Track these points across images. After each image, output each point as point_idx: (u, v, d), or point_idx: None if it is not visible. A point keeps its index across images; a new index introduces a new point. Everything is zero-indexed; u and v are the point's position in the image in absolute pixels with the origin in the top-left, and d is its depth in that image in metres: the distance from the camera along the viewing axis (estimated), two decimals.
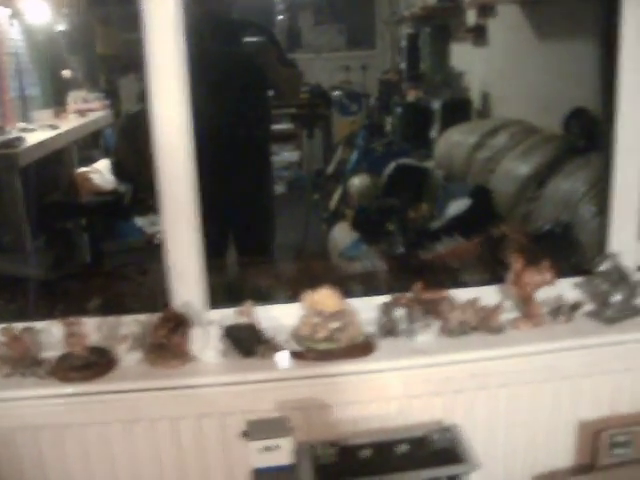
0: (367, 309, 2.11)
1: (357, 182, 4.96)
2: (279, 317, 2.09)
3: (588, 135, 3.50)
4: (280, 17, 6.72)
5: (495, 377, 2.01)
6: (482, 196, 3.93)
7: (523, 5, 4.20)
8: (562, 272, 2.26)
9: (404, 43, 5.82)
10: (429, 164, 4.77)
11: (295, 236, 4.50)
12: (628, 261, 2.28)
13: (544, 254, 2.27)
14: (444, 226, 3.82)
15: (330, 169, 5.75)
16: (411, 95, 5.34)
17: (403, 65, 5.83)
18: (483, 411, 2.04)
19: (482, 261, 2.95)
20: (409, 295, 2.13)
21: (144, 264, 2.73)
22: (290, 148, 6.80)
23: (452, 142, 4.62)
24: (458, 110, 5.05)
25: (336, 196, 5.21)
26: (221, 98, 2.82)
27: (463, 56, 5.37)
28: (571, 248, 2.81)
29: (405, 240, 3.75)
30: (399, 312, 2.12)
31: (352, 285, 2.59)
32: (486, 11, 4.82)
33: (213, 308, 2.04)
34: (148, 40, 1.86)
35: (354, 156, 5.40)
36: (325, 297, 2.04)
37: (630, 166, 2.27)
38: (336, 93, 6.11)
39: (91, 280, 2.73)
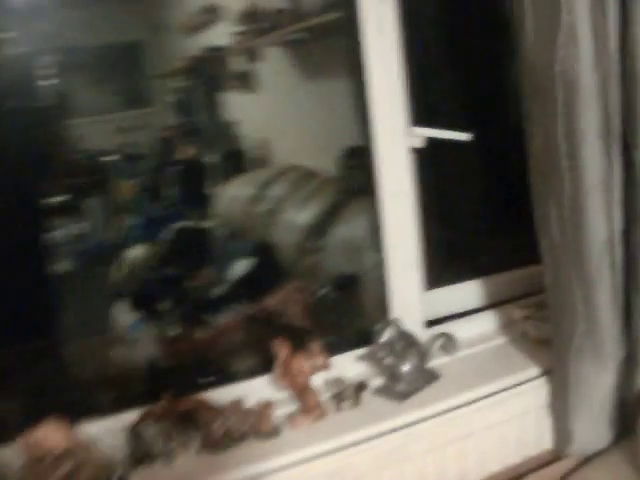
0: (116, 431, 1.60)
1: (136, 253, 4.40)
2: None
3: (364, 175, 3.20)
4: (45, 82, 6.05)
5: None
6: (265, 253, 3.52)
7: (286, 46, 3.96)
8: (344, 343, 1.87)
9: (175, 98, 5.35)
10: (209, 223, 4.30)
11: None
12: (414, 316, 1.89)
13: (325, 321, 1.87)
14: (228, 292, 3.38)
15: (114, 239, 5.15)
16: (186, 152, 4.86)
17: (177, 121, 5.35)
18: None
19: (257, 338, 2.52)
20: (160, 408, 1.63)
21: None
22: (73, 220, 6.12)
23: (230, 197, 4.20)
24: (235, 162, 4.64)
25: (115, 270, 4.61)
26: None
27: (235, 105, 5.00)
28: (356, 309, 2.41)
29: (183, 316, 3.23)
30: (151, 431, 1.61)
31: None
32: (252, 56, 4.52)
33: None
34: None
35: (135, 222, 4.84)
36: (49, 434, 1.51)
37: (399, 209, 1.89)
38: (113, 157, 5.53)
39: None
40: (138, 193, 5.13)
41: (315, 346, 1.72)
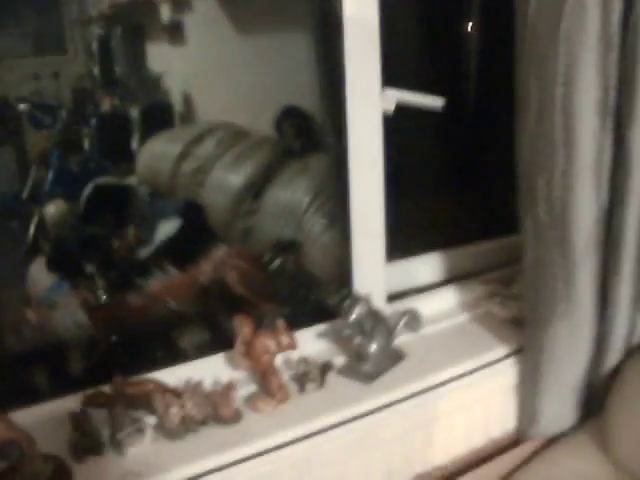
0: (56, 419, 1.42)
1: (52, 209, 4.11)
2: None
3: (302, 136, 3.05)
4: None
5: None
6: (193, 213, 3.33)
7: None
8: (300, 317, 1.73)
9: (95, 46, 5.03)
10: (132, 180, 4.05)
11: None
12: (377, 291, 1.77)
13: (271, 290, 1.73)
14: (154, 254, 3.17)
15: (25, 193, 4.82)
16: (106, 104, 4.58)
17: (96, 71, 5.04)
18: None
19: (203, 302, 2.35)
20: (107, 391, 1.46)
21: None
22: None
23: (155, 153, 3.98)
24: (159, 117, 4.39)
25: (32, 226, 4.31)
26: None
27: (160, 57, 4.73)
28: (303, 278, 2.26)
29: (109, 279, 3.00)
30: (97, 418, 1.44)
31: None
32: (181, 6, 4.28)
33: None
34: None
35: (49, 177, 4.53)
36: None
37: (368, 176, 1.74)
38: (25, 105, 5.16)
39: None
40: (52, 145, 4.82)
41: (280, 324, 1.57)
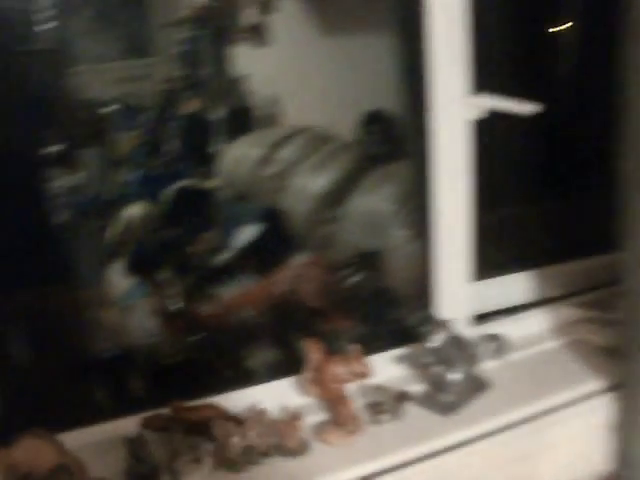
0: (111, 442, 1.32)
1: (134, 211, 4.09)
2: None
3: (387, 141, 2.92)
4: (43, 27, 5.69)
5: None
6: (273, 219, 3.24)
7: None
8: (376, 338, 1.60)
9: (181, 48, 5.03)
10: (214, 184, 4.00)
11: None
12: (459, 312, 1.62)
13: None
14: (231, 260, 3.10)
15: (109, 194, 4.84)
16: (190, 106, 4.54)
17: (181, 73, 5.03)
18: None
19: (275, 315, 2.24)
20: (165, 415, 1.36)
21: None
22: (70, 171, 5.81)
23: (236, 157, 3.91)
24: (243, 120, 4.33)
25: (113, 227, 4.31)
26: None
27: (245, 59, 4.68)
28: (382, 292, 2.12)
29: (185, 285, 2.93)
30: (155, 443, 1.35)
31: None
32: (266, 8, 4.19)
33: None
34: None
35: (133, 178, 4.53)
36: (31, 452, 1.24)
37: (453, 189, 1.60)
38: (113, 107, 5.20)
39: None
40: (137, 147, 4.83)
41: (354, 349, 1.44)
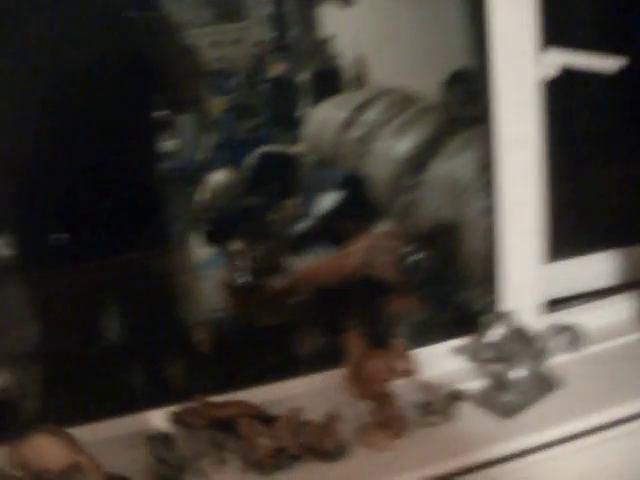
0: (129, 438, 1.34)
1: (218, 177, 4.01)
2: None
3: (472, 102, 2.71)
4: None
5: None
6: (354, 186, 3.09)
7: None
8: (435, 327, 1.44)
9: (270, 11, 4.90)
10: (298, 149, 3.87)
11: None
12: (528, 299, 1.42)
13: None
14: (310, 229, 2.97)
15: (197, 159, 4.80)
16: (276, 69, 4.41)
17: (269, 36, 4.92)
18: None
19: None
20: (191, 409, 1.25)
21: None
22: (166, 137, 5.84)
23: (320, 120, 3.76)
24: (329, 82, 4.17)
25: (198, 193, 4.25)
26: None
27: (331, 19, 4.50)
28: (451, 274, 1.92)
29: (259, 256, 2.80)
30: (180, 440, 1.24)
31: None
32: None
33: None
34: None
35: (218, 143, 4.46)
36: (43, 450, 1.15)
37: (521, 159, 1.40)
38: (206, 71, 5.16)
39: None
40: (226, 112, 4.76)
41: (398, 344, 1.28)
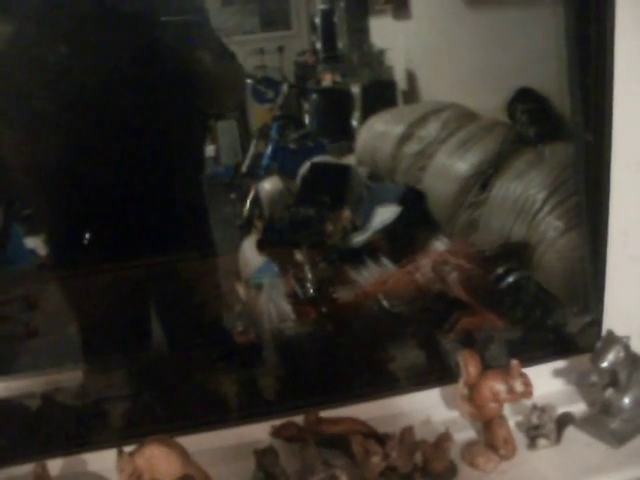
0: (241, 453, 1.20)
1: (267, 186, 4.00)
2: None
3: (538, 122, 2.68)
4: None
5: None
6: (414, 201, 3.06)
7: None
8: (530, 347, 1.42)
9: (318, 21, 4.90)
10: (350, 160, 3.86)
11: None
12: (635, 326, 1.40)
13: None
14: (368, 242, 2.95)
15: (244, 167, 4.79)
16: (327, 79, 4.41)
17: (319, 45, 4.91)
18: None
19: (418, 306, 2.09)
20: (297, 424, 1.23)
21: None
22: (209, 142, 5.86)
23: (375, 133, 3.74)
24: (381, 94, 4.16)
25: (248, 201, 4.24)
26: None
27: (384, 31, 4.50)
28: (538, 291, 1.90)
29: (319, 267, 2.78)
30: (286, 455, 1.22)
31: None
32: None
33: None
34: None
35: (267, 152, 4.45)
36: (156, 461, 1.14)
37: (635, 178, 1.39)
38: (250, 79, 5.15)
39: None
40: (274, 120, 4.74)
41: (514, 365, 1.26)
